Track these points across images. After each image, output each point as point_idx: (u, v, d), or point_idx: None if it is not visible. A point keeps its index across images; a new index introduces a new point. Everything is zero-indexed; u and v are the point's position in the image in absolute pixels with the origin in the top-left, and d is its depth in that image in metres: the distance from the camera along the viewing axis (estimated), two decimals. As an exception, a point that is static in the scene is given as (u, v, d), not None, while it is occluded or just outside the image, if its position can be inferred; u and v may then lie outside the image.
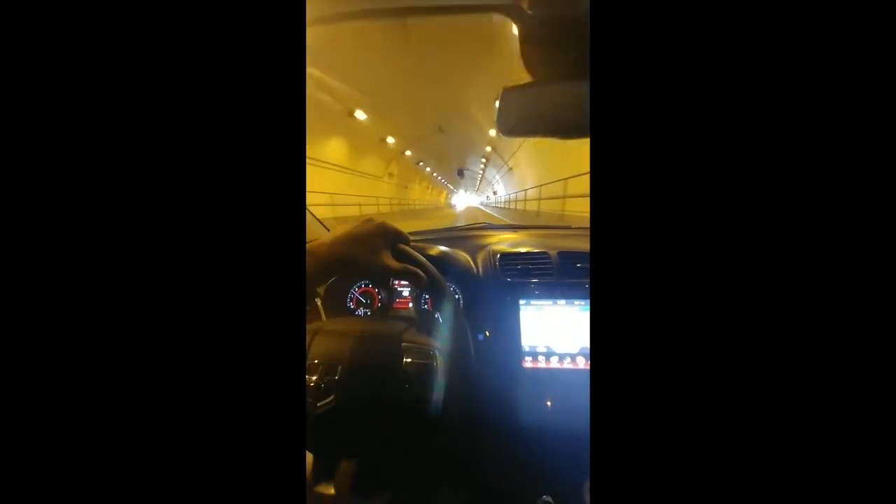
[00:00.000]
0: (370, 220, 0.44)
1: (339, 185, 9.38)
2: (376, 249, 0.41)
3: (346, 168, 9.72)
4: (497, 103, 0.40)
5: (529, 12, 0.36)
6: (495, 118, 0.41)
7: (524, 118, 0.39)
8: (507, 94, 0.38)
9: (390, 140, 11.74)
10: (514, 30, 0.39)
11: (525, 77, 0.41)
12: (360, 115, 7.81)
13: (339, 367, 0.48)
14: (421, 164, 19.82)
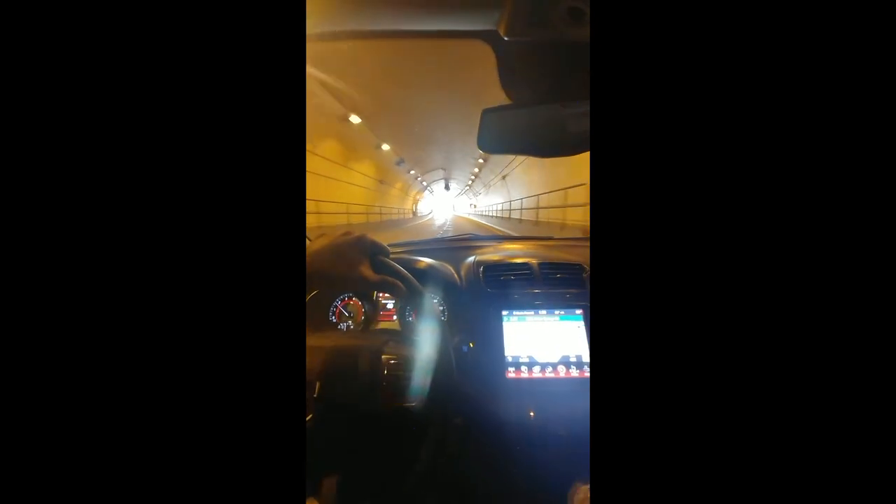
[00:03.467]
0: (348, 232, 0.44)
1: (330, 192, 9.33)
2: (354, 262, 0.42)
3: (335, 177, 9.69)
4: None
5: (506, 38, 0.38)
6: (477, 137, 0.43)
7: (503, 137, 0.41)
8: (487, 114, 0.40)
9: (385, 147, 11.77)
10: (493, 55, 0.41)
11: (504, 98, 0.43)
12: (355, 119, 7.82)
13: (318, 384, 0.48)
14: (412, 172, 19.88)
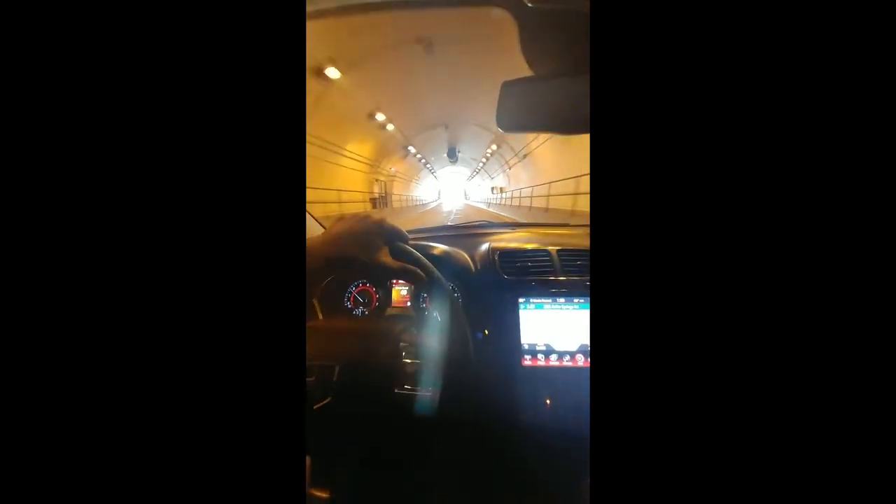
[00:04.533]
0: (367, 216, 0.43)
1: (344, 180, 9.36)
2: (374, 247, 0.40)
3: (350, 166, 9.70)
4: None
5: (530, 5, 0.36)
6: (496, 113, 0.40)
7: (523, 113, 0.39)
8: (507, 88, 0.37)
9: (396, 135, 11.58)
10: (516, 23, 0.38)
11: (525, 71, 0.40)
12: (377, 114, 7.55)
13: (336, 368, 0.48)
14: (425, 161, 19.63)
